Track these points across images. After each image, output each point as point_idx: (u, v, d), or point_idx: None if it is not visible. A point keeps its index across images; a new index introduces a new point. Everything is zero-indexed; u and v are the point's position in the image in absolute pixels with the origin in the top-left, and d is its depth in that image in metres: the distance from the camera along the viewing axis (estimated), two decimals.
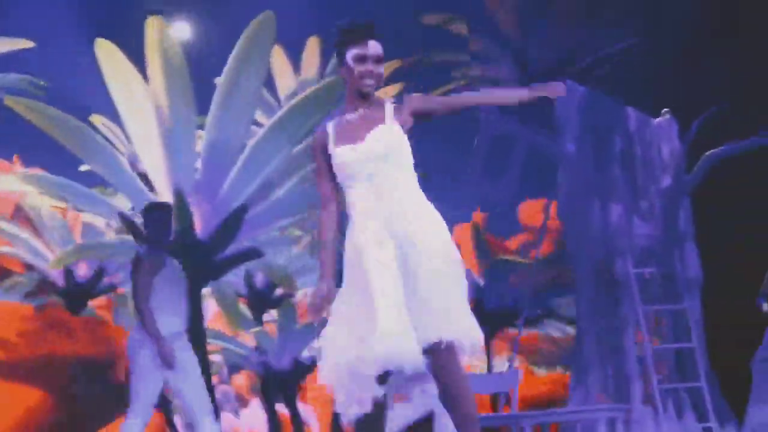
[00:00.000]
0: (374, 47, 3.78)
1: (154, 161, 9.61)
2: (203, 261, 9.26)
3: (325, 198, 3.86)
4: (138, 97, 9.94)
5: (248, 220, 9.41)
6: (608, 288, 8.48)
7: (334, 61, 10.21)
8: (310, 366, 8.97)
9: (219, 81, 10.15)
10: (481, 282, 12.93)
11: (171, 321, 5.82)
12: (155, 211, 6.19)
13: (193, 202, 9.29)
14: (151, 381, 5.79)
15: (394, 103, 3.83)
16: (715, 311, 8.57)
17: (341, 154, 3.69)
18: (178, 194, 9.23)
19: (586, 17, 10.36)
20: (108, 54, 9.71)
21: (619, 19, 10.27)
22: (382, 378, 3.50)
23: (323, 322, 4.65)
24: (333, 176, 3.80)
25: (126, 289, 10.16)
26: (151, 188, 9.66)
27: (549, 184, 9.73)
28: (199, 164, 9.67)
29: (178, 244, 8.95)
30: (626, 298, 8.26)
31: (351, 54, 3.75)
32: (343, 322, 3.64)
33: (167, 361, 5.91)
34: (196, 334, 8.61)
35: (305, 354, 9.03)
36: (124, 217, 9.40)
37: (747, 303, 7.37)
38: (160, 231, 6.07)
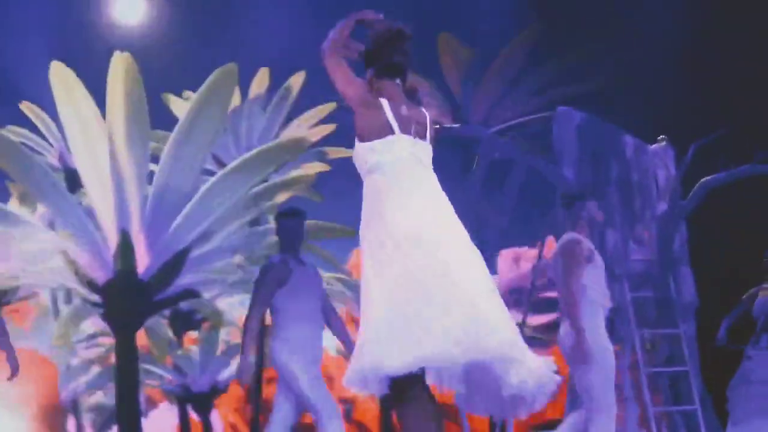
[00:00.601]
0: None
1: (101, 196, 9.28)
2: (142, 300, 9.14)
3: None
4: (92, 130, 9.48)
5: (188, 262, 9.35)
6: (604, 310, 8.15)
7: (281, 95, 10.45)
8: (226, 387, 8.96)
9: (174, 130, 9.75)
10: None
11: (301, 327, 5.61)
12: (290, 219, 5.91)
13: (137, 242, 9.12)
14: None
15: None
16: (710, 335, 8.01)
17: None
18: (124, 234, 9.11)
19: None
20: (62, 78, 9.39)
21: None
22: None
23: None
24: None
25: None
26: (96, 225, 9.26)
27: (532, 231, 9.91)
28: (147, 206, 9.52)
29: (119, 283, 8.94)
30: (622, 321, 8.22)
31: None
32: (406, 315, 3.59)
33: (243, 375, 5.75)
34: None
35: (225, 375, 8.98)
36: None
37: (741, 326, 7.37)
38: (293, 239, 5.79)
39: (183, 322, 9.46)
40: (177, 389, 9.03)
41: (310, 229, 9.21)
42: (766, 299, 7.26)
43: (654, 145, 8.85)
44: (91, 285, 9.14)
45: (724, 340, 7.41)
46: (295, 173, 9.83)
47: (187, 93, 10.04)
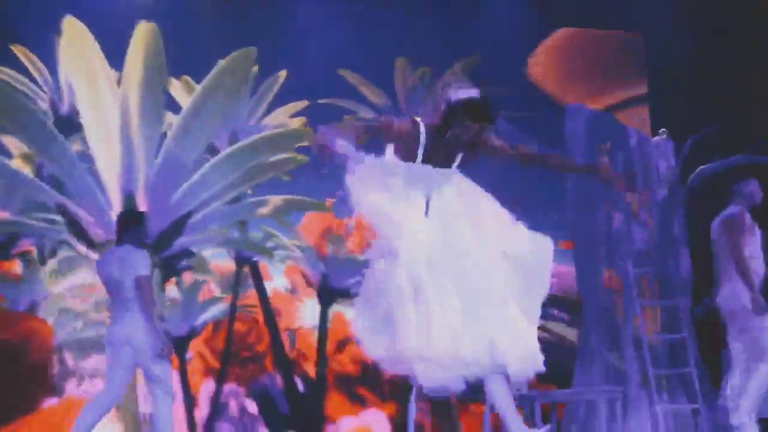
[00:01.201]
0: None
1: (109, 160, 9.39)
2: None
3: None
4: (104, 91, 9.47)
5: (187, 226, 9.53)
6: (610, 285, 8.68)
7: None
8: (202, 330, 9.28)
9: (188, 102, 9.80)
10: None
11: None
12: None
13: (141, 206, 9.33)
14: None
15: None
16: (708, 313, 8.19)
17: None
18: (129, 198, 9.24)
19: None
20: (75, 36, 9.28)
21: None
22: None
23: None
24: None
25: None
26: (101, 188, 9.35)
27: None
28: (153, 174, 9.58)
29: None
30: (626, 294, 8.44)
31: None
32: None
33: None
34: None
35: (202, 320, 9.27)
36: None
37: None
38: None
39: (167, 271, 9.67)
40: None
41: (283, 204, 9.75)
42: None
43: (656, 138, 9.00)
44: (90, 243, 9.25)
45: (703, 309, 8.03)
46: (282, 156, 10.02)
47: (185, 78, 9.96)
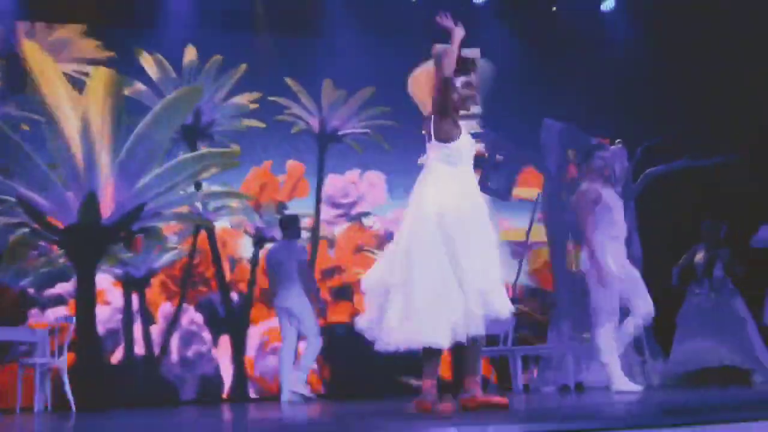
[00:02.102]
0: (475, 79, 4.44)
1: (71, 158, 9.73)
2: (102, 243, 9.83)
3: None
4: (64, 100, 9.78)
5: (145, 211, 10.01)
6: (576, 263, 8.83)
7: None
8: (160, 271, 9.95)
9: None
10: None
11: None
12: None
13: (103, 195, 9.72)
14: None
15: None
16: (650, 280, 8.24)
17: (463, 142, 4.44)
18: (91, 195, 9.69)
19: None
20: (35, 56, 9.69)
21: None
22: None
23: None
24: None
25: None
26: (64, 184, 9.64)
27: None
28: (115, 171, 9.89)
29: (81, 228, 9.63)
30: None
31: (461, 80, 4.42)
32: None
33: None
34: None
35: (159, 264, 9.95)
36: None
37: (670, 274, 8.56)
38: None
39: (129, 237, 9.97)
40: (122, 276, 9.84)
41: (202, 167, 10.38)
42: (702, 258, 8.36)
43: (612, 146, 8.71)
44: (52, 228, 9.63)
45: (676, 282, 8.42)
46: (224, 150, 10.45)
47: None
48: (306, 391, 8.22)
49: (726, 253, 8.28)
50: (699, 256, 8.38)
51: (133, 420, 5.81)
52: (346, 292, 10.39)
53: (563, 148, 9.22)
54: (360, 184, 10.68)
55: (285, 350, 8.17)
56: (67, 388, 8.02)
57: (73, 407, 8.00)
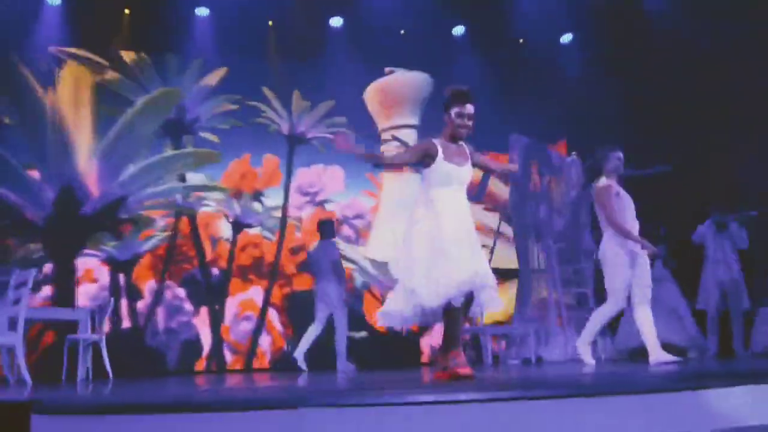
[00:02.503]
0: (470, 109, 4.26)
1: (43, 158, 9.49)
2: (83, 232, 9.69)
3: (404, 163, 4.58)
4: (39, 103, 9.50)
5: (125, 203, 9.93)
6: (538, 256, 9.19)
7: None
8: (144, 255, 9.74)
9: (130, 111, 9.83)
10: None
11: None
12: None
13: (82, 187, 9.56)
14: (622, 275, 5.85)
15: (468, 147, 4.44)
16: (600, 270, 8.10)
17: (448, 167, 4.32)
18: (67, 188, 9.53)
19: None
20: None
21: None
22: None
23: None
24: (415, 162, 4.39)
25: None
26: (41, 185, 9.40)
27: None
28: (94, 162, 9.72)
29: (58, 222, 9.46)
30: (549, 260, 9.07)
31: (455, 111, 4.27)
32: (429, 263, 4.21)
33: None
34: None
35: (143, 249, 9.71)
36: None
37: None
38: None
39: (115, 226, 9.83)
40: (107, 259, 9.71)
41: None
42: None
43: (568, 158, 9.58)
44: (29, 224, 9.43)
45: None
46: (204, 150, 10.39)
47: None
48: (351, 367, 8.49)
49: (663, 249, 8.30)
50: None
51: (165, 386, 5.76)
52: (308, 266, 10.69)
53: (528, 159, 9.31)
54: (323, 176, 10.96)
55: (315, 328, 8.50)
56: (106, 359, 8.03)
57: (111, 375, 8.02)
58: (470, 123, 4.25)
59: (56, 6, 9.59)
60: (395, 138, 10.78)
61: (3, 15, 9.10)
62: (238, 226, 10.59)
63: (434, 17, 9.89)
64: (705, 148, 9.21)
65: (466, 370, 4.20)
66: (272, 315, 10.47)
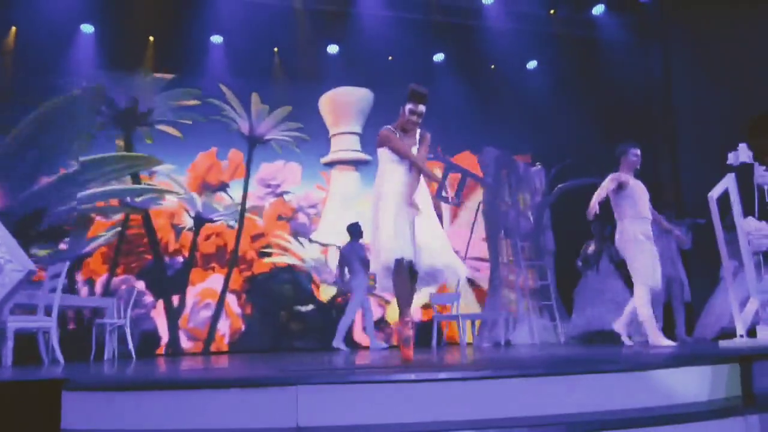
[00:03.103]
0: (421, 109, 4.21)
1: None
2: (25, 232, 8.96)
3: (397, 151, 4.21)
4: None
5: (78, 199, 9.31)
6: (507, 252, 9.07)
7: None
8: (93, 253, 9.14)
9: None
10: None
11: None
12: None
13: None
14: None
15: (420, 131, 4.31)
16: (560, 265, 9.05)
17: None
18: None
19: None
20: None
21: None
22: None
23: None
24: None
25: None
26: None
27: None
28: None
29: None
30: (515, 257, 8.97)
31: (409, 107, 4.22)
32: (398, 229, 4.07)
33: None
34: None
35: (92, 247, 9.05)
36: None
37: (574, 262, 8.50)
38: None
39: (59, 228, 9.22)
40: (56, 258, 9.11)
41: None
42: (592, 250, 8.25)
43: (533, 168, 9.45)
44: None
45: (579, 266, 8.38)
46: (143, 156, 9.95)
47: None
48: (383, 344, 8.65)
49: (609, 245, 8.11)
50: (590, 248, 8.34)
51: (186, 364, 5.69)
52: (267, 252, 10.62)
53: (499, 168, 9.26)
54: (283, 171, 10.82)
55: (354, 313, 8.52)
56: (130, 340, 7.98)
57: (134, 355, 7.96)
58: (419, 121, 4.19)
59: (89, 33, 9.51)
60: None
61: (43, 40, 8.99)
62: (199, 220, 10.22)
63: (418, 46, 9.88)
64: (655, 160, 9.06)
65: (405, 353, 4.07)
66: (231, 299, 10.13)
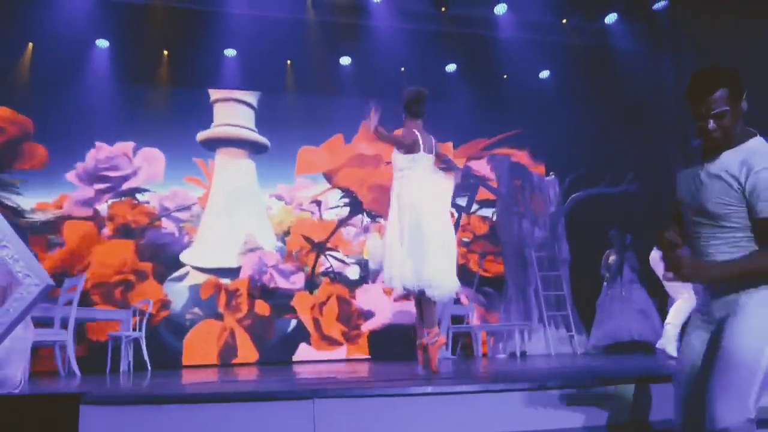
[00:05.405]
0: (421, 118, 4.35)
1: None
2: None
3: (394, 144, 4.26)
4: None
5: None
6: (521, 263, 9.03)
7: None
8: None
9: None
10: None
11: None
12: None
13: None
14: None
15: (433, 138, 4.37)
16: (576, 275, 9.03)
17: (425, 157, 4.34)
18: None
19: None
20: None
21: None
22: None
23: None
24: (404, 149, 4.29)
25: None
26: None
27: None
28: None
29: None
30: (530, 267, 8.95)
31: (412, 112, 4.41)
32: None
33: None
34: None
35: None
36: None
37: (593, 272, 8.50)
38: None
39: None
40: None
41: None
42: (614, 260, 8.24)
43: (548, 177, 9.50)
44: None
45: (605, 277, 8.26)
46: None
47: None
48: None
49: (632, 255, 8.14)
50: (611, 258, 8.29)
51: (201, 375, 5.70)
52: None
53: (512, 178, 9.31)
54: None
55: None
56: (145, 353, 7.94)
57: (149, 367, 7.93)
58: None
59: (104, 48, 9.56)
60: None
61: (59, 55, 9.06)
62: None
63: (430, 57, 9.76)
64: (668, 168, 8.87)
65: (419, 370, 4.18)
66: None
